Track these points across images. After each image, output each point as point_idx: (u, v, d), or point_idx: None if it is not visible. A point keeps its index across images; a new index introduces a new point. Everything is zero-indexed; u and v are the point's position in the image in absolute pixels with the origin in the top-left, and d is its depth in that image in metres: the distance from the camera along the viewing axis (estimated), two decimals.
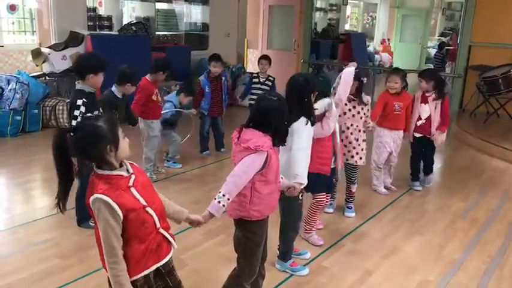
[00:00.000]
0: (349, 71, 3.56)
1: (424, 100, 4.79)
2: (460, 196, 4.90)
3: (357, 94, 4.04)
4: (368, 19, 16.40)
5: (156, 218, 1.96)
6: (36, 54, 6.97)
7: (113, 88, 4.21)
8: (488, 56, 8.34)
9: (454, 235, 4.00)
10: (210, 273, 3.24)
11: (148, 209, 1.93)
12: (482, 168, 5.94)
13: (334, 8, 14.23)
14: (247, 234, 2.49)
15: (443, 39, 15.70)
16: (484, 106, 8.05)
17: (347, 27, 15.18)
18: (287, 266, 3.25)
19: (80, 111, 3.40)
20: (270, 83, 5.90)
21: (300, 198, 3.06)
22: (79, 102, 3.41)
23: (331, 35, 13.33)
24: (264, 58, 6.01)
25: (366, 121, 4.12)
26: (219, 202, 2.29)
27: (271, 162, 2.36)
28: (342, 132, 4.02)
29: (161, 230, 1.99)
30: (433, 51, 15.94)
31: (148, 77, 4.85)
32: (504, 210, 4.58)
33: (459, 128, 7.48)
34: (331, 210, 4.30)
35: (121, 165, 1.94)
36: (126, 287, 1.89)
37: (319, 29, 13.22)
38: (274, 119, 2.37)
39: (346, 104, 4.00)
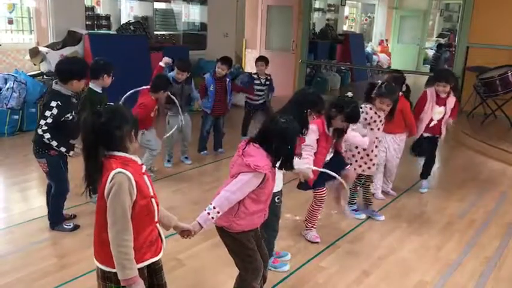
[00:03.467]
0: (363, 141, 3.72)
1: (441, 102, 4.65)
2: (458, 197, 4.91)
3: (390, 113, 4.05)
4: (366, 20, 16.41)
5: (156, 212, 2.00)
6: (34, 53, 6.95)
7: (91, 85, 4.07)
8: (485, 57, 8.35)
9: (451, 236, 4.01)
10: (208, 273, 3.24)
11: (153, 201, 1.97)
12: (480, 170, 5.96)
13: (332, 8, 14.24)
14: (232, 244, 2.50)
15: (441, 40, 15.74)
16: (482, 107, 8.06)
17: (345, 27, 15.19)
18: (269, 263, 3.24)
19: (52, 113, 3.39)
20: (269, 82, 6.13)
21: (277, 200, 3.07)
22: (53, 103, 3.40)
23: (329, 35, 13.34)
24: (261, 59, 6.09)
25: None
26: (208, 213, 2.30)
27: (266, 184, 2.36)
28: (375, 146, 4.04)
29: (158, 225, 2.03)
30: (430, 52, 15.98)
31: (151, 94, 4.68)
32: (501, 212, 4.60)
33: (457, 129, 7.49)
34: (362, 216, 4.26)
35: None
36: (135, 271, 1.88)
37: (317, 30, 13.23)
38: (277, 142, 2.37)
39: (375, 121, 4.02)
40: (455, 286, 3.25)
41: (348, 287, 3.17)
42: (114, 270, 1.91)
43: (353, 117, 3.38)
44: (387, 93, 3.92)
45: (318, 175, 3.36)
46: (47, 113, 3.39)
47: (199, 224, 2.29)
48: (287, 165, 2.44)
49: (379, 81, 4.09)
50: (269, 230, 3.20)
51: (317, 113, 3.15)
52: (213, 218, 2.30)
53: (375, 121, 4.02)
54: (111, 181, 1.84)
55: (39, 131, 3.40)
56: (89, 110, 2.00)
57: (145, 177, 1.97)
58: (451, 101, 4.69)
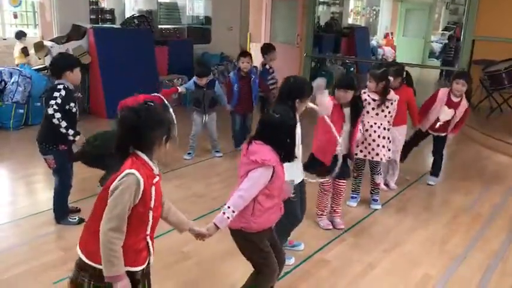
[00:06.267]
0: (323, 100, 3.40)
1: (451, 104, 4.62)
2: (464, 191, 4.89)
3: (383, 93, 4.06)
4: (371, 13, 16.33)
5: (150, 225, 1.97)
6: (39, 47, 6.96)
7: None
8: (492, 50, 8.28)
9: (457, 230, 4.00)
10: (213, 266, 3.24)
11: (150, 213, 1.94)
12: (486, 163, 5.93)
13: (337, 1, 14.17)
14: (248, 245, 2.49)
15: (447, 33, 15.64)
16: (488, 101, 8.01)
17: (350, 21, 15.12)
18: None
19: (60, 94, 3.42)
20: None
21: (292, 195, 2.97)
22: (60, 86, 3.44)
23: (334, 28, 13.28)
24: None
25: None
26: (223, 213, 2.30)
27: (276, 177, 2.35)
28: (365, 130, 4.06)
29: (148, 238, 1.99)
30: (435, 46, 15.89)
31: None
32: (507, 205, 4.58)
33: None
34: (354, 204, 4.34)
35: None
36: (122, 269, 1.86)
37: (322, 23, 13.17)
38: (275, 135, 2.37)
39: (369, 103, 4.04)
40: (461, 280, 3.24)
41: (353, 280, 3.17)
42: (93, 265, 1.90)
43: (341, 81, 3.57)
44: (372, 69, 4.15)
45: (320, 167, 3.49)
46: (56, 94, 3.41)
47: (215, 225, 2.29)
48: (289, 157, 2.43)
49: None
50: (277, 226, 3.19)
51: (308, 97, 3.03)
52: (228, 217, 2.29)
53: (369, 103, 4.06)
54: (121, 178, 1.83)
55: (50, 110, 3.39)
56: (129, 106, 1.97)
57: (154, 188, 1.94)
58: (463, 105, 4.65)
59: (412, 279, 3.22)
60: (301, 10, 10.50)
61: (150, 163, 1.93)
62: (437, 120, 4.68)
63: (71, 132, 3.49)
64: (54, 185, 3.72)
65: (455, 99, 4.61)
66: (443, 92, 4.68)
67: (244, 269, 2.62)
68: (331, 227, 3.85)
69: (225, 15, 9.79)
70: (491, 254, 3.59)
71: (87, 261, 1.91)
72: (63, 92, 3.43)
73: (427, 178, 5.02)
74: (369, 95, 4.07)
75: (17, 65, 6.93)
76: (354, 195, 4.38)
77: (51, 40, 7.12)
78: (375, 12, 16.40)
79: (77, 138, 3.54)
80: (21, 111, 6.40)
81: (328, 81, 3.52)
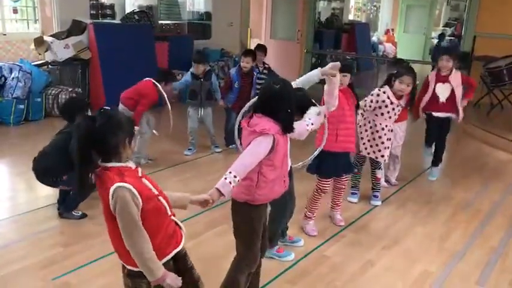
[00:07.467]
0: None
1: (442, 79, 4.64)
2: (463, 187, 4.89)
3: (409, 102, 4.11)
4: (372, 9, 16.29)
5: (167, 206, 2.00)
6: (39, 42, 6.95)
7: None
8: (493, 46, 8.26)
9: (456, 226, 4.00)
10: (213, 261, 3.24)
11: (160, 198, 1.97)
12: (486, 160, 5.93)
13: None
14: (245, 221, 2.50)
15: (448, 29, 15.61)
16: (488, 97, 8.00)
17: (351, 17, 15.09)
18: (273, 252, 3.27)
19: None
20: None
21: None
22: None
23: (335, 24, 13.24)
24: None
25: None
26: (225, 179, 2.28)
27: (278, 147, 2.36)
28: (375, 131, 4.05)
29: (173, 217, 2.05)
30: (436, 42, 15.83)
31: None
32: (507, 202, 4.57)
33: (463, 119, 7.43)
34: (354, 200, 4.35)
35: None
36: (162, 268, 1.91)
37: (322, 19, 13.13)
38: (275, 106, 2.38)
39: (386, 106, 4.00)
40: (460, 276, 3.25)
41: (352, 276, 3.18)
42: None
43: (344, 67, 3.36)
44: (406, 71, 4.01)
45: (325, 165, 3.49)
46: None
47: (218, 190, 2.26)
48: (289, 128, 2.42)
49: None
50: (275, 219, 3.19)
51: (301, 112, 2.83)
52: (230, 182, 2.27)
53: (386, 106, 4.01)
54: (113, 197, 1.82)
55: None
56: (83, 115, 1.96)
57: (144, 179, 1.94)
58: (456, 76, 4.66)
59: (411, 276, 3.22)
60: (301, 6, 10.48)
61: (124, 164, 1.90)
62: (438, 98, 4.69)
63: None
64: (72, 193, 3.77)
65: (444, 73, 4.66)
66: (431, 74, 4.75)
67: None
68: (315, 233, 3.69)
69: (225, 10, 9.77)
70: (490, 251, 3.59)
71: (136, 269, 1.94)
72: None
73: (430, 173, 5.03)
74: (388, 97, 3.99)
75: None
76: (354, 191, 4.39)
77: (52, 35, 7.10)
78: (375, 8, 16.35)
79: None
80: (22, 106, 6.39)
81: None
